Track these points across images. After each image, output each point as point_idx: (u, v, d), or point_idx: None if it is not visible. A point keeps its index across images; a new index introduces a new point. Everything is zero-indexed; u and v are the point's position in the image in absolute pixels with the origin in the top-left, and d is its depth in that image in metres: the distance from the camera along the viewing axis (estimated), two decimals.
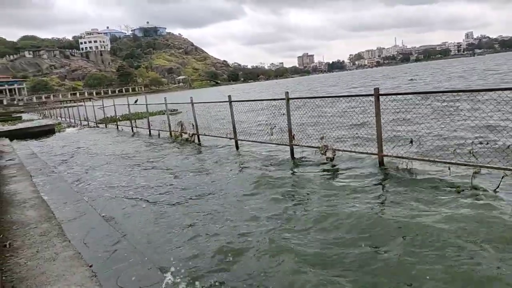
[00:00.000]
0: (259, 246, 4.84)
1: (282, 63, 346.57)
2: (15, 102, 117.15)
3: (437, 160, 7.21)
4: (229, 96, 12.22)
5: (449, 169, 6.94)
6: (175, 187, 8.23)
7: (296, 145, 10.00)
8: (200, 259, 4.70)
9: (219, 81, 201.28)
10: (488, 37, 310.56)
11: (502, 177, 5.98)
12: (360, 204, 5.98)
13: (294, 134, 10.05)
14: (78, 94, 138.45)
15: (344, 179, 7.46)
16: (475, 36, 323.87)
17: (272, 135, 11.53)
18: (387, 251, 4.44)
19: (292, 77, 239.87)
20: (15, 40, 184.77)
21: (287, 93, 9.88)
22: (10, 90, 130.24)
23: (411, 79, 44.92)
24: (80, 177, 10.23)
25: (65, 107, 42.67)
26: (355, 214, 5.53)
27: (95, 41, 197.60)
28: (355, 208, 5.81)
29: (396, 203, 5.87)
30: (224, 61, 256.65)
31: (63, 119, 38.95)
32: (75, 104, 48.39)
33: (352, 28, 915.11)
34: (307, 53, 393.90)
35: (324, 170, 8.25)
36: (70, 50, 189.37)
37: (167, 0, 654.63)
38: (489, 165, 6.28)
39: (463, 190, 6.09)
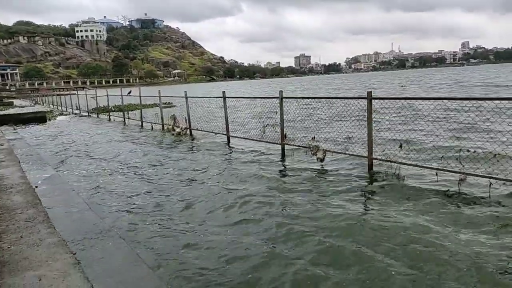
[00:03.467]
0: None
1: (279, 62, 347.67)
2: (7, 88, 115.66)
3: (424, 165, 7.30)
4: (224, 92, 12.23)
5: (437, 174, 7.03)
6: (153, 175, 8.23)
7: (288, 144, 10.04)
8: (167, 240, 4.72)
9: (214, 77, 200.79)
10: (484, 47, 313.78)
11: (490, 185, 6.08)
12: (341, 205, 6.05)
13: (286, 133, 10.10)
14: (71, 83, 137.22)
15: (331, 180, 7.50)
16: (471, 46, 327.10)
17: (264, 132, 11.57)
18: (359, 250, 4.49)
19: (288, 76, 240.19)
20: (9, 24, 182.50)
21: (281, 92, 9.92)
22: (2, 75, 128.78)
23: (402, 86, 45.77)
24: (68, 164, 10.16)
25: (58, 95, 42.30)
26: (334, 215, 5.59)
27: (92, 30, 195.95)
28: (336, 208, 5.88)
29: (379, 205, 5.94)
30: (221, 57, 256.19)
31: (55, 106, 38.61)
32: (68, 92, 47.91)
33: (350, 31, 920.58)
34: (304, 54, 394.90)
35: (312, 171, 8.29)
36: (66, 38, 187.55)
37: None
38: (475, 173, 6.41)
39: (450, 196, 6.18)
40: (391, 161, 7.68)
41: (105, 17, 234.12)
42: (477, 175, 6.37)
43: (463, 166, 6.59)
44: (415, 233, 4.84)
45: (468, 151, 7.15)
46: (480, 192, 6.20)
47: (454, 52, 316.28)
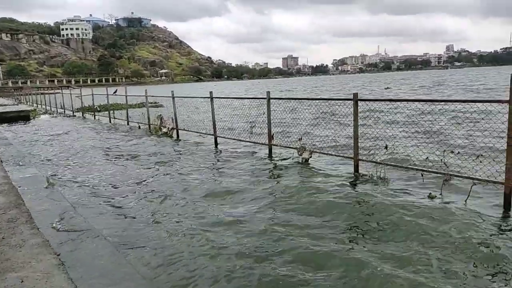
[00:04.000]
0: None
1: (267, 63, 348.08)
2: None
3: (409, 166, 7.41)
4: (211, 92, 12.19)
5: (422, 175, 7.14)
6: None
7: (275, 145, 10.07)
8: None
9: (202, 77, 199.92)
10: (468, 51, 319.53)
11: (471, 186, 6.18)
12: (322, 203, 6.13)
13: (273, 134, 10.12)
14: (56, 81, 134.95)
15: (315, 181, 7.53)
16: (455, 49, 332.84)
17: (252, 133, 11.57)
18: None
19: (275, 77, 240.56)
20: None
21: (268, 92, 9.94)
22: None
23: (387, 88, 46.55)
24: (53, 164, 9.99)
25: (42, 93, 41.65)
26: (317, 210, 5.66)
27: (77, 28, 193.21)
28: (318, 206, 5.96)
29: (363, 205, 6.01)
30: (209, 57, 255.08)
31: (39, 105, 37.95)
32: (52, 91, 47.15)
33: (337, 33, 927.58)
34: (292, 55, 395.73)
35: (298, 171, 8.32)
36: (51, 36, 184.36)
37: None
38: (458, 174, 6.54)
39: (433, 198, 6.29)
40: (376, 162, 7.76)
41: (91, 15, 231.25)
42: (461, 176, 6.49)
43: (447, 167, 6.70)
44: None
45: (452, 152, 7.27)
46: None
47: (439, 55, 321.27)
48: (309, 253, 4.50)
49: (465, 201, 6.07)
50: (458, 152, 7.41)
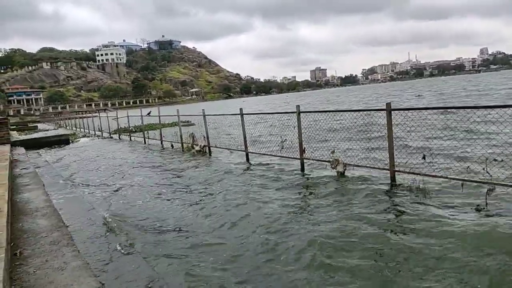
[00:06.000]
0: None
1: (295, 76, 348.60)
2: (32, 112, 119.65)
3: (450, 177, 7.09)
4: (241, 109, 12.29)
5: (462, 186, 6.81)
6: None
7: (307, 158, 9.95)
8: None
9: (231, 94, 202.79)
10: (504, 53, 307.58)
11: None
12: (367, 223, 5.90)
13: (305, 148, 10.02)
14: (93, 105, 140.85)
15: (354, 195, 7.35)
16: (490, 52, 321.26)
17: (283, 148, 11.51)
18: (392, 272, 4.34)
19: (304, 90, 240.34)
20: (34, 51, 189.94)
21: (298, 106, 9.89)
22: (27, 100, 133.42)
23: (419, 95, 44.84)
24: (94, 187, 10.31)
25: (80, 117, 43.46)
26: (363, 234, 5.45)
27: (111, 54, 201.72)
28: (363, 227, 5.72)
29: (405, 223, 5.76)
30: (237, 74, 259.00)
31: (78, 129, 39.58)
32: (90, 115, 49.15)
33: (364, 43, 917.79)
34: (320, 67, 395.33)
35: (334, 186, 8.15)
36: (87, 62, 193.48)
37: (176, 14, 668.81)
38: (504, 183, 6.17)
39: (481, 209, 5.95)
40: (414, 173, 7.49)
41: (124, 40, 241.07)
42: (506, 185, 6.13)
43: (491, 176, 6.37)
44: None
45: (495, 160, 6.90)
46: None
47: (473, 59, 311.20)
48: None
49: None
50: (502, 160, 7.00)
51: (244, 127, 12.13)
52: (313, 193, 7.85)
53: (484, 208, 5.97)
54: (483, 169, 6.58)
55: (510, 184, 6.07)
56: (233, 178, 9.98)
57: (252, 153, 12.22)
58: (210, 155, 14.12)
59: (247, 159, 12.10)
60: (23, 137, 27.16)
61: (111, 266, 4.70)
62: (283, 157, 11.07)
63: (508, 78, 72.96)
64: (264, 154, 11.85)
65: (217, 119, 15.37)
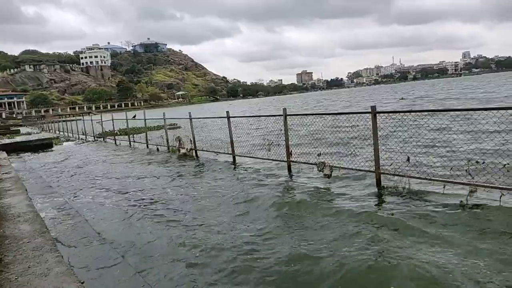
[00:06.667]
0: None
1: (281, 79, 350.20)
2: (14, 116, 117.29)
3: (433, 178, 7.20)
4: (227, 112, 12.29)
5: (444, 187, 6.91)
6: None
7: (293, 161, 9.99)
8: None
9: (218, 97, 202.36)
10: (485, 57, 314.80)
11: (500, 196, 5.97)
12: (351, 224, 5.95)
13: (291, 150, 10.06)
14: (77, 108, 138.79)
15: (339, 197, 7.41)
16: (472, 56, 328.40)
17: (269, 150, 11.51)
18: None
19: (290, 93, 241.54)
20: (16, 54, 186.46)
21: (284, 109, 9.94)
22: (9, 103, 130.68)
23: (402, 98, 45.66)
24: (76, 194, 10.15)
25: (64, 121, 42.75)
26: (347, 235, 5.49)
27: (96, 56, 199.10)
28: (345, 228, 5.78)
29: (394, 228, 5.83)
30: (224, 77, 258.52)
31: (61, 133, 38.96)
32: (74, 118, 48.41)
33: (349, 47, 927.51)
34: (306, 70, 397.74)
35: (320, 188, 8.20)
36: (71, 65, 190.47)
37: (162, 18, 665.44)
38: (486, 184, 6.29)
39: (463, 207, 6.08)
40: (399, 175, 7.59)
41: (109, 43, 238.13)
42: (487, 186, 6.26)
43: (473, 177, 6.50)
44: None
45: (477, 162, 7.04)
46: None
47: (455, 62, 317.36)
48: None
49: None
50: (483, 162, 7.15)
51: (230, 130, 12.12)
52: (296, 195, 7.88)
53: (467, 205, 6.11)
54: (466, 170, 6.71)
55: (491, 185, 6.21)
56: (219, 182, 9.96)
57: (239, 155, 12.20)
58: (197, 157, 14.05)
59: (234, 162, 12.08)
60: (5, 141, 26.62)
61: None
62: (270, 159, 11.06)
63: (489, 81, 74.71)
64: (252, 157, 11.84)
65: (203, 121, 15.31)
